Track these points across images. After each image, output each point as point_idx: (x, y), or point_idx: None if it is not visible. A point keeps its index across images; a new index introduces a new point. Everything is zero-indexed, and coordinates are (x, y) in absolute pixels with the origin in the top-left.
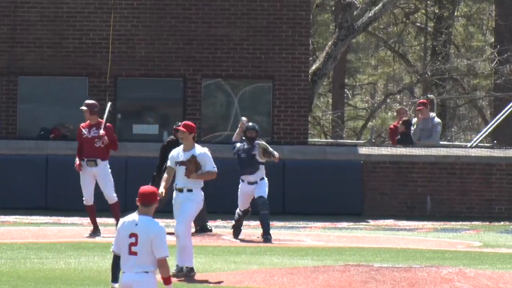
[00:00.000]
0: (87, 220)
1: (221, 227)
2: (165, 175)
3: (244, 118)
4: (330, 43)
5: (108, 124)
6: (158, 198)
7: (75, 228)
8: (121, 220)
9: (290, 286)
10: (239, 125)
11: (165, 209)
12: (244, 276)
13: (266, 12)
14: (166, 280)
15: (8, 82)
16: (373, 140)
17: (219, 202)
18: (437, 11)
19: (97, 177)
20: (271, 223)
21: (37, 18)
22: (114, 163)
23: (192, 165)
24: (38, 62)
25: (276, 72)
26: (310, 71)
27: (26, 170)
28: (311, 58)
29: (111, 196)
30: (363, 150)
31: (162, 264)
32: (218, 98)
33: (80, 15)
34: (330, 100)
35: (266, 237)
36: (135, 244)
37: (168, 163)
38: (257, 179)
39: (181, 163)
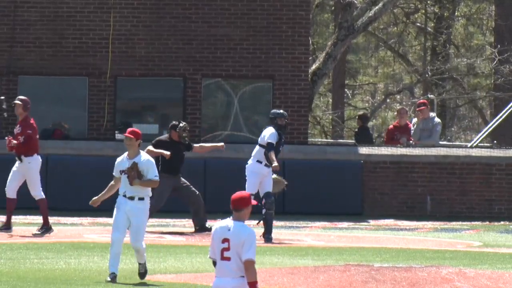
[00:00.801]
0: (87, 220)
1: None
2: (112, 183)
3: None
4: (330, 43)
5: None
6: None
7: (75, 228)
8: (214, 226)
9: (291, 286)
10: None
11: (164, 209)
12: None
13: (266, 12)
14: (252, 285)
15: (8, 82)
16: (373, 140)
17: (219, 202)
18: (437, 11)
19: (25, 175)
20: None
21: (37, 18)
22: (114, 162)
23: (134, 172)
24: (38, 61)
25: (276, 72)
26: (310, 71)
27: None
28: (310, 58)
29: (35, 194)
30: (363, 150)
31: (247, 267)
32: (218, 98)
33: (80, 14)
34: (330, 100)
35: (268, 237)
36: (227, 249)
37: (113, 172)
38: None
39: (123, 171)
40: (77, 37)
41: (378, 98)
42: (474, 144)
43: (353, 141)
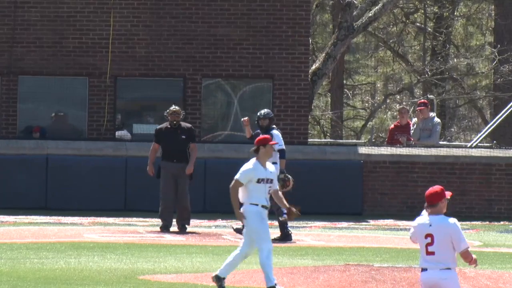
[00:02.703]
0: (87, 220)
1: (221, 227)
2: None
3: (245, 118)
4: (330, 43)
5: None
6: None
7: (75, 228)
8: (416, 221)
9: (290, 286)
10: (243, 125)
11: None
12: (244, 275)
13: (266, 12)
14: (471, 262)
15: (8, 82)
16: (373, 140)
17: (219, 202)
18: (436, 11)
19: None
20: (271, 222)
21: (37, 18)
22: (114, 162)
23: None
24: (38, 62)
25: (276, 72)
26: (310, 71)
27: (26, 170)
28: (310, 58)
29: None
30: (363, 150)
31: (465, 256)
32: (218, 98)
33: (80, 15)
34: (329, 100)
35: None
36: (431, 244)
37: (242, 179)
38: None
39: (262, 180)
40: (77, 37)
41: (378, 98)
42: (474, 144)
43: (353, 141)
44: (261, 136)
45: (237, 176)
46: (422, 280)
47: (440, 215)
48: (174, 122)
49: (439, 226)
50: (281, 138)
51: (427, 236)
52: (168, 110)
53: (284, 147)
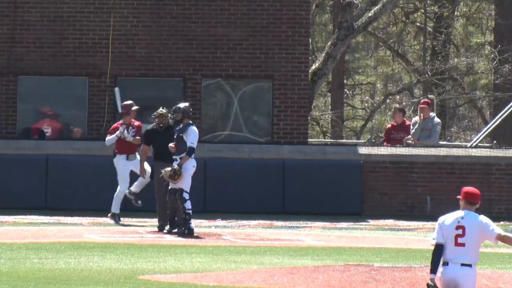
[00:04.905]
0: (87, 220)
1: (221, 227)
2: None
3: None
4: (330, 43)
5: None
6: None
7: (75, 228)
8: (444, 217)
9: (290, 286)
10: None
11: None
12: (244, 275)
13: (266, 12)
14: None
15: (8, 82)
16: (373, 140)
17: (219, 202)
18: (436, 10)
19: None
20: (271, 222)
21: (37, 18)
22: (114, 162)
23: None
24: (38, 62)
25: (276, 72)
26: (310, 71)
27: (26, 170)
28: (310, 58)
29: None
30: (363, 150)
31: (503, 238)
32: (218, 98)
33: (80, 15)
34: (329, 100)
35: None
36: (462, 235)
37: None
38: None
39: None
40: (77, 37)
41: (378, 98)
42: (474, 144)
43: (353, 141)
44: None
45: None
46: (445, 274)
47: (472, 212)
48: (161, 125)
49: (470, 219)
50: (197, 137)
51: (458, 227)
52: (155, 113)
53: (194, 146)
